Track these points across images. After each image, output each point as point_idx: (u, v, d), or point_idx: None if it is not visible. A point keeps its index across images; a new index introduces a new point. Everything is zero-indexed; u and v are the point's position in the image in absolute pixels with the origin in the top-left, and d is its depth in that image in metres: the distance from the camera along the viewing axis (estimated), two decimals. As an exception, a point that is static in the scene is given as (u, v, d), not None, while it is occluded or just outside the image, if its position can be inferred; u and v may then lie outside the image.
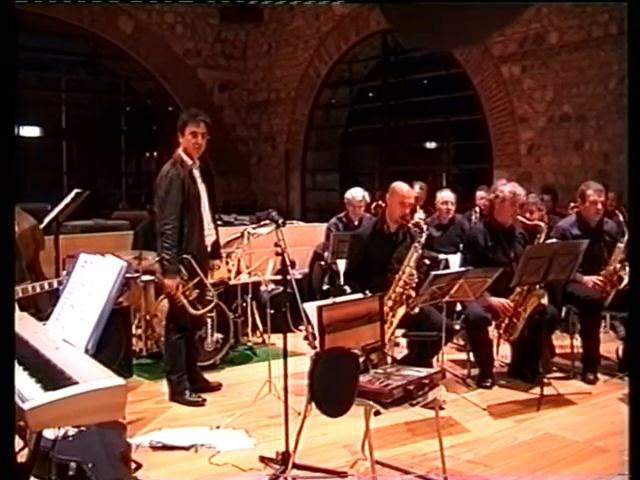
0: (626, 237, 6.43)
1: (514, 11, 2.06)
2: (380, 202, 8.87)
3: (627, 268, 6.40)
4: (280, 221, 5.38)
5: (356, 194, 8.41)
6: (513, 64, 10.75)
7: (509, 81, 10.83)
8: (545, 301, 6.13)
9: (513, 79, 10.79)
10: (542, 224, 6.42)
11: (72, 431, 3.44)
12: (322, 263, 8.16)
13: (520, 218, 6.43)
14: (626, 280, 6.32)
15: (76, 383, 2.55)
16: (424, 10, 2.01)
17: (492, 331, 6.33)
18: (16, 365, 2.70)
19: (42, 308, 4.60)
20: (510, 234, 6.45)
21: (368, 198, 8.53)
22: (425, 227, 6.05)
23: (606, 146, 9.74)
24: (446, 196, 8.37)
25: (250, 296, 7.56)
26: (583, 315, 6.49)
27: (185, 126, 5.75)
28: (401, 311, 5.73)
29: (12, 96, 2.75)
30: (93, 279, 3.13)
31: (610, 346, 6.95)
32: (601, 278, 6.46)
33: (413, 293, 5.73)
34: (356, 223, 8.21)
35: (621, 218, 6.62)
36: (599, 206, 6.64)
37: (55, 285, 4.32)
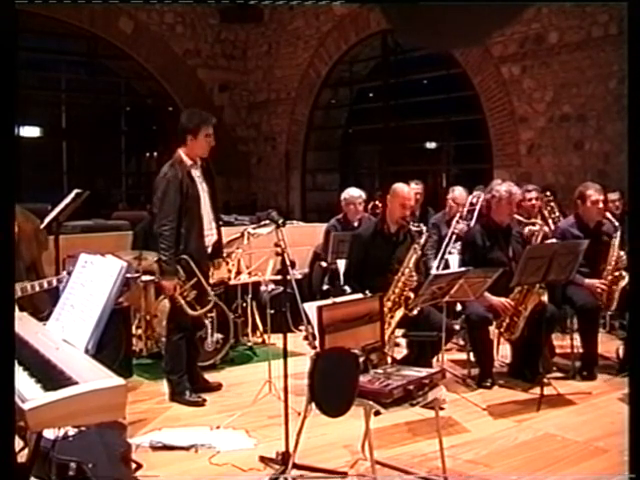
0: (619, 233, 6.48)
1: (514, 11, 2.06)
2: (377, 202, 8.89)
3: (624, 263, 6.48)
4: (280, 221, 5.39)
5: (354, 192, 8.35)
6: (513, 64, 10.74)
7: (509, 81, 10.83)
8: (545, 299, 6.12)
9: (513, 79, 10.78)
10: (540, 222, 6.43)
11: (72, 431, 3.44)
12: (322, 263, 8.15)
13: (517, 217, 6.43)
14: (626, 279, 6.33)
15: (76, 383, 2.55)
16: (424, 10, 2.01)
17: (492, 331, 6.34)
18: (16, 365, 2.70)
19: (41, 308, 4.60)
20: (508, 233, 6.45)
21: (365, 197, 8.48)
22: (425, 229, 6.06)
23: (606, 146, 9.74)
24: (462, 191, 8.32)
25: (250, 296, 7.56)
26: (580, 320, 6.52)
27: (199, 128, 5.76)
28: (399, 313, 5.74)
29: (12, 96, 2.75)
30: (93, 279, 3.13)
31: (610, 346, 6.96)
32: (605, 282, 6.48)
33: (412, 294, 5.74)
34: (355, 224, 8.15)
35: (609, 215, 6.70)
36: (600, 206, 6.67)
37: (54, 283, 4.32)
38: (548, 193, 8.01)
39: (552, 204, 7.96)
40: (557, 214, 7.74)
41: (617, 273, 6.51)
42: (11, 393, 2.46)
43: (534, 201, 7.90)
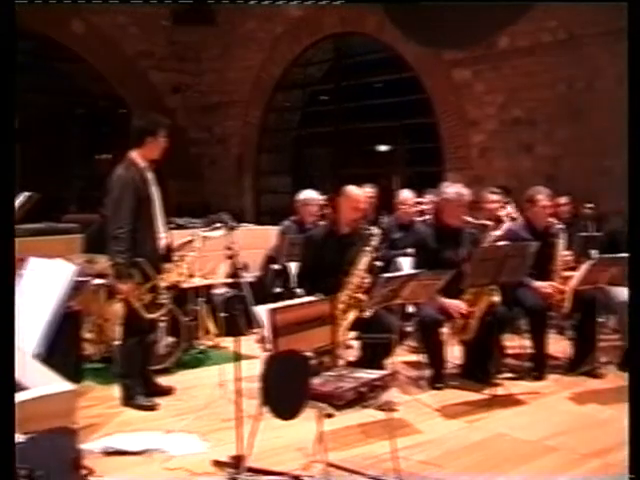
0: (562, 234, 6.64)
1: (517, 11, 2.09)
2: (329, 204, 8.88)
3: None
4: (231, 224, 5.38)
5: (311, 194, 8.36)
6: (464, 68, 10.83)
7: (460, 85, 10.93)
8: (497, 299, 6.17)
9: (464, 83, 10.88)
10: (489, 223, 6.49)
11: (21, 438, 3.39)
12: (275, 266, 8.12)
13: (467, 218, 6.46)
14: (575, 280, 6.40)
15: (26, 389, 2.52)
16: (426, 10, 2.03)
17: (444, 332, 6.38)
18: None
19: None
20: (458, 234, 6.50)
21: (321, 199, 8.48)
22: (376, 230, 6.09)
23: (556, 150, 9.86)
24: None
25: (203, 299, 7.53)
26: (530, 321, 6.60)
27: (158, 130, 5.78)
28: (352, 315, 5.75)
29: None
30: (43, 283, 3.10)
31: (559, 346, 7.04)
32: (553, 284, 6.56)
33: (364, 297, 5.75)
34: (310, 227, 8.12)
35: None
36: (547, 211, 6.77)
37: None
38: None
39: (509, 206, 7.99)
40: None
41: (567, 274, 6.59)
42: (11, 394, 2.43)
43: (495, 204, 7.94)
